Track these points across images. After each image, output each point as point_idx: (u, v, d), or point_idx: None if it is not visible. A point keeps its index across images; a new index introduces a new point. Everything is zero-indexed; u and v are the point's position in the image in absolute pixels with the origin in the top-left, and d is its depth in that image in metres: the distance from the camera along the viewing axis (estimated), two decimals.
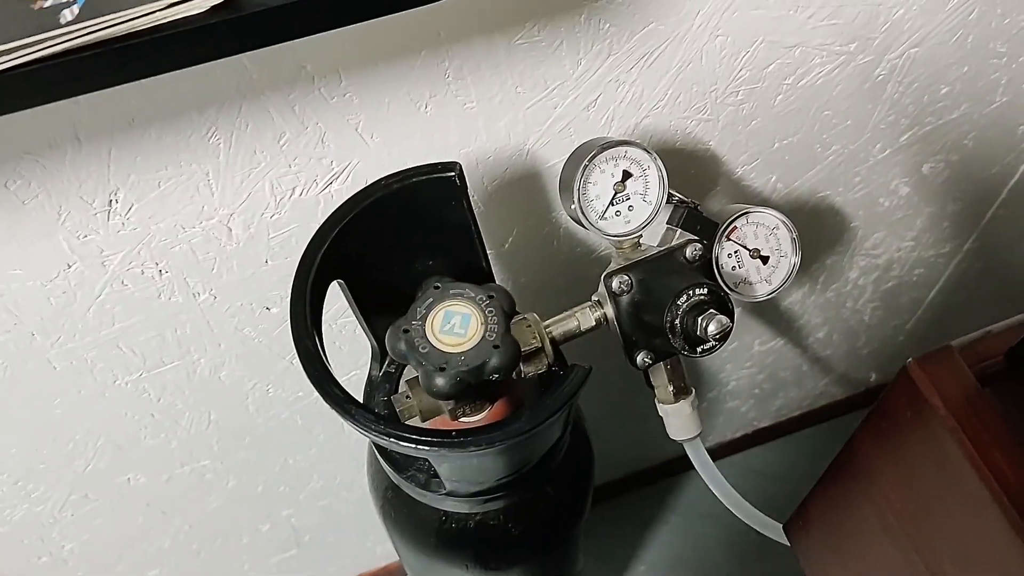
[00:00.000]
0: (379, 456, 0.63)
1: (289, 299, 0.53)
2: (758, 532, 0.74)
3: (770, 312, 1.15)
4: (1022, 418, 0.41)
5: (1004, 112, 0.92)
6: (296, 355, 0.82)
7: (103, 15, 0.35)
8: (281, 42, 0.41)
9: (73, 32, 0.35)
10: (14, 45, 0.34)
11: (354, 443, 1.02)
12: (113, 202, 0.62)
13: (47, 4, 0.35)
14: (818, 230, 0.99)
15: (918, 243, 1.11)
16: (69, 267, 0.65)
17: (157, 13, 0.36)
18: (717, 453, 1.50)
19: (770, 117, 0.79)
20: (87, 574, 1.02)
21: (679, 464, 1.47)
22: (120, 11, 0.35)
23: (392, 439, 0.48)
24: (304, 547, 1.18)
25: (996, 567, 0.43)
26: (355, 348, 0.86)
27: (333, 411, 0.51)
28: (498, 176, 0.73)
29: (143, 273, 0.68)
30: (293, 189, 0.66)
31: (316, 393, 0.91)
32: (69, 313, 0.69)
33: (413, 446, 0.48)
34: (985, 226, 1.14)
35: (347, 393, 0.51)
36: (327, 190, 0.68)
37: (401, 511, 0.69)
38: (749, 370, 1.28)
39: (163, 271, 0.69)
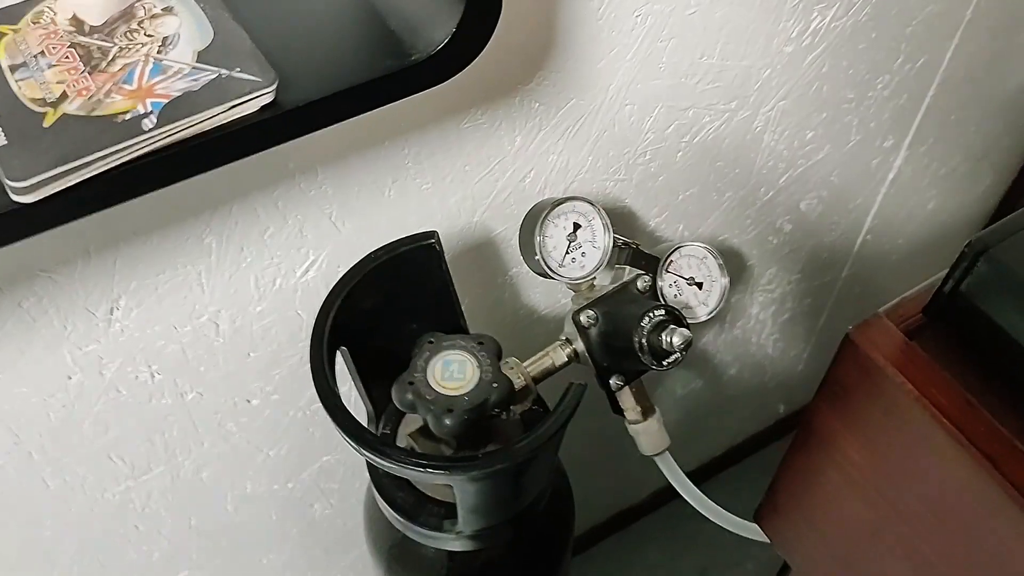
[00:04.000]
0: (389, 509, 0.68)
1: (309, 362, 0.59)
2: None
3: (688, 355, 1.25)
4: (945, 360, 0.51)
5: (859, 149, 1.07)
6: (274, 447, 0.87)
7: (176, 120, 0.42)
8: (313, 131, 0.49)
9: (155, 136, 0.42)
10: (112, 150, 0.40)
11: (323, 533, 1.05)
12: (115, 309, 0.66)
13: (128, 117, 0.42)
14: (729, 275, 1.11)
15: (804, 275, 1.25)
16: (70, 379, 0.69)
17: (219, 116, 0.43)
18: (652, 504, 1.58)
19: (673, 172, 0.90)
20: None
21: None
22: (190, 116, 0.43)
23: (446, 471, 0.55)
24: None
25: (950, 488, 0.52)
26: (326, 432, 0.91)
27: (372, 457, 0.56)
28: (451, 249, 0.81)
29: (137, 378, 0.72)
30: (274, 280, 0.73)
31: (291, 483, 0.95)
32: (67, 427, 0.72)
33: (466, 471, 0.54)
34: (857, 253, 1.29)
35: (381, 438, 0.57)
36: (304, 278, 0.74)
37: (407, 565, 0.74)
38: (674, 415, 1.38)
39: (155, 374, 0.73)
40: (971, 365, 0.51)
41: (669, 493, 1.43)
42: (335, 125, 0.54)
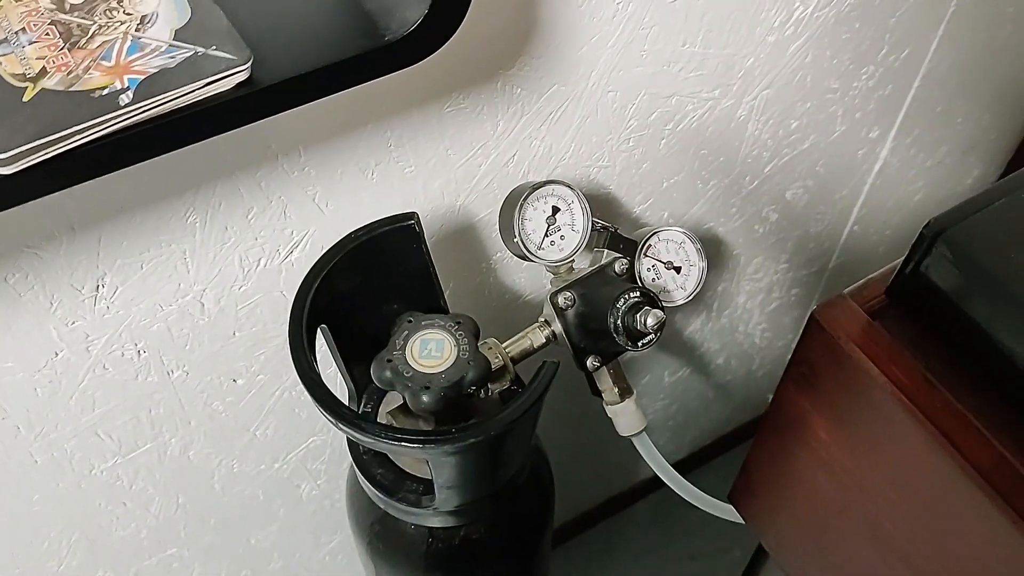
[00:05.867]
0: (369, 485, 0.69)
1: (288, 340, 0.60)
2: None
3: (675, 343, 1.26)
4: (906, 340, 0.52)
5: (844, 139, 1.08)
6: (261, 427, 0.88)
7: (152, 96, 0.44)
8: (287, 109, 0.50)
9: (130, 112, 0.43)
10: (89, 124, 0.42)
11: (311, 514, 1.07)
12: (100, 287, 0.67)
13: (105, 92, 0.43)
14: (707, 259, 1.12)
15: (791, 265, 1.26)
16: (56, 355, 0.70)
17: (195, 92, 0.44)
18: (640, 491, 1.59)
19: (657, 160, 0.91)
20: None
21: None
22: (166, 92, 0.44)
23: (421, 444, 0.56)
24: None
25: (909, 464, 0.53)
26: (313, 413, 0.92)
27: (349, 431, 0.58)
28: (435, 233, 0.82)
29: (123, 355, 0.74)
30: (259, 261, 0.74)
31: (277, 463, 0.96)
32: (53, 403, 0.73)
33: (440, 445, 0.56)
34: (844, 243, 1.30)
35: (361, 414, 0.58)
36: (288, 259, 0.75)
37: (389, 542, 0.76)
38: (663, 402, 1.39)
39: (141, 352, 0.74)
40: (931, 344, 0.52)
41: (657, 481, 1.45)
42: (314, 105, 0.55)
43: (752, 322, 1.33)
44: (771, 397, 1.66)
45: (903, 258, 0.52)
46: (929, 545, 0.53)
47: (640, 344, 0.68)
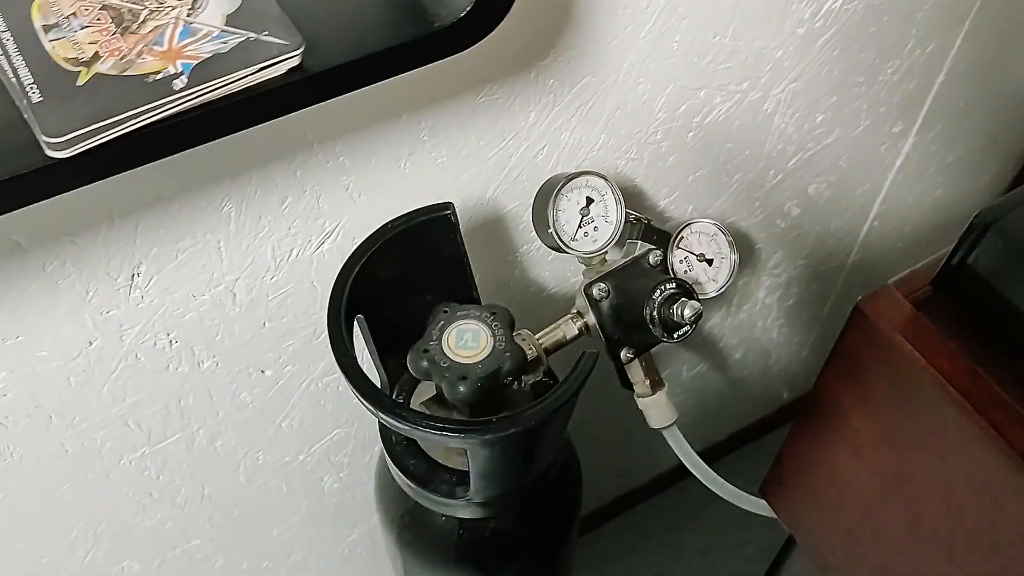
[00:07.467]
0: (402, 476, 0.69)
1: (328, 328, 0.60)
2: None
3: (695, 338, 1.26)
4: (952, 331, 0.52)
5: (868, 134, 1.08)
6: (287, 418, 0.88)
7: (207, 81, 0.44)
8: (338, 96, 0.50)
9: (185, 96, 0.43)
10: (144, 108, 0.42)
11: (333, 506, 1.07)
12: (136, 276, 0.67)
13: (159, 77, 0.43)
14: (739, 252, 1.12)
15: (811, 260, 1.26)
16: (90, 344, 0.70)
17: (248, 77, 0.44)
18: (656, 486, 1.59)
19: (684, 153, 0.91)
20: None
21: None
22: (220, 77, 0.44)
23: (462, 434, 0.56)
24: None
25: (954, 455, 0.53)
26: (338, 406, 0.92)
27: (390, 420, 0.58)
28: (464, 224, 0.81)
29: (155, 345, 0.74)
30: (291, 250, 0.74)
31: (302, 455, 0.96)
32: (86, 392, 0.73)
33: (482, 434, 0.56)
34: (864, 239, 1.30)
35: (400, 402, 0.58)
36: (320, 249, 0.75)
37: (418, 533, 0.76)
38: (680, 398, 1.39)
39: (173, 341, 0.74)
40: (977, 335, 0.52)
41: (673, 476, 1.45)
42: (352, 95, 0.55)
43: (771, 317, 1.33)
44: (785, 394, 1.66)
45: (951, 248, 0.52)
46: (973, 537, 0.53)
47: (676, 336, 0.68)
